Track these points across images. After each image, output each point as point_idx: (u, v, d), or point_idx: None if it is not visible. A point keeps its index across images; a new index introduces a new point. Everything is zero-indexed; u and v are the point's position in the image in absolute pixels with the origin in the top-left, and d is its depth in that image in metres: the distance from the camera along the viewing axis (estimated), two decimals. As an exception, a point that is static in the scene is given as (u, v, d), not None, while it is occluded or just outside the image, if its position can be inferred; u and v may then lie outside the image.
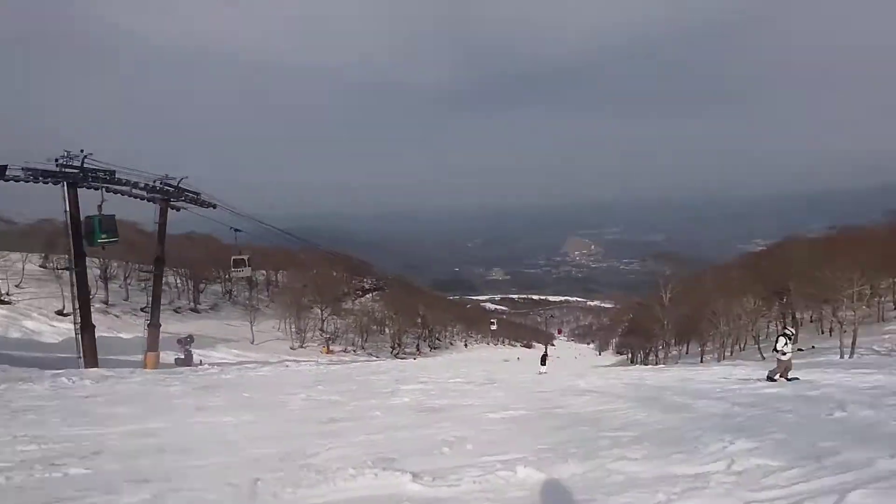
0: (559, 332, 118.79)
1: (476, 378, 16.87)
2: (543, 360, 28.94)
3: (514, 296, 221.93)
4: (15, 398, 9.04)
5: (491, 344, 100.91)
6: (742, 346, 40.97)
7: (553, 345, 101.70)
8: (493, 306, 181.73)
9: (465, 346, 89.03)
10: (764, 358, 30.01)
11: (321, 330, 57.52)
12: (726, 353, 38.56)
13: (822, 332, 37.38)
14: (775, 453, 4.57)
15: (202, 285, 58.34)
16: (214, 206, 21.69)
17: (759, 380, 12.52)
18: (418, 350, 66.97)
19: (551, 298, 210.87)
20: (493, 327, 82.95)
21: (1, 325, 31.00)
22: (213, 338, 41.34)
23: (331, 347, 52.07)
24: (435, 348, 76.36)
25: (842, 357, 23.59)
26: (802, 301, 36.87)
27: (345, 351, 53.41)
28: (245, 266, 24.24)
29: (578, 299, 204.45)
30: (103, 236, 18.93)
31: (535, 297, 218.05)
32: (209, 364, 22.68)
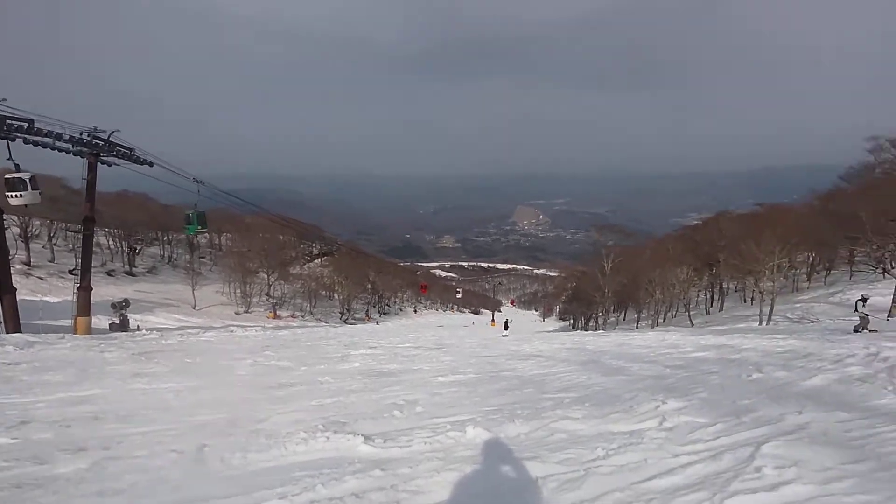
0: (512, 302, 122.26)
1: (425, 343, 17.13)
2: (506, 325, 33.00)
3: (464, 263, 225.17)
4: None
5: (440, 310, 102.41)
6: (674, 313, 43.74)
7: (500, 311, 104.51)
8: (443, 273, 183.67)
9: (415, 311, 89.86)
10: (693, 324, 32.21)
11: (268, 295, 56.14)
12: (660, 320, 41.10)
13: (745, 301, 40.51)
14: (701, 411, 4.97)
15: (138, 247, 55.15)
16: (151, 164, 20.22)
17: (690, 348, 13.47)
18: (367, 316, 66.90)
19: (500, 266, 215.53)
20: (459, 295, 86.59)
21: None
22: (151, 302, 39.46)
23: (277, 313, 51.07)
24: (385, 314, 76.58)
25: (760, 324, 25.69)
26: (729, 272, 39.64)
27: (292, 316, 52.55)
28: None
29: (526, 267, 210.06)
30: (199, 228, 19.84)
31: (484, 264, 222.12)
32: (147, 329, 21.65)
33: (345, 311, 63.50)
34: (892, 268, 24.03)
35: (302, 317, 54.32)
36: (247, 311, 48.82)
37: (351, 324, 52.26)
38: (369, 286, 75.74)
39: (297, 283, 62.93)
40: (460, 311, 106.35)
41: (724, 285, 45.08)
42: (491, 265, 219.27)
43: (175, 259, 61.01)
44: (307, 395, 6.88)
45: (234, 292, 51.48)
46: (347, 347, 14.40)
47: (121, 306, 29.01)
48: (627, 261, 45.06)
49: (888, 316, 20.98)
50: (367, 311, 71.46)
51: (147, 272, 53.51)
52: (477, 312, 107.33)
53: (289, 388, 7.52)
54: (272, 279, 58.60)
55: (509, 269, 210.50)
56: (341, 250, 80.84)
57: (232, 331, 20.55)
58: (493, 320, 58.86)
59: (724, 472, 3.43)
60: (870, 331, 14.96)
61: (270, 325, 34.39)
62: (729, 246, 37.16)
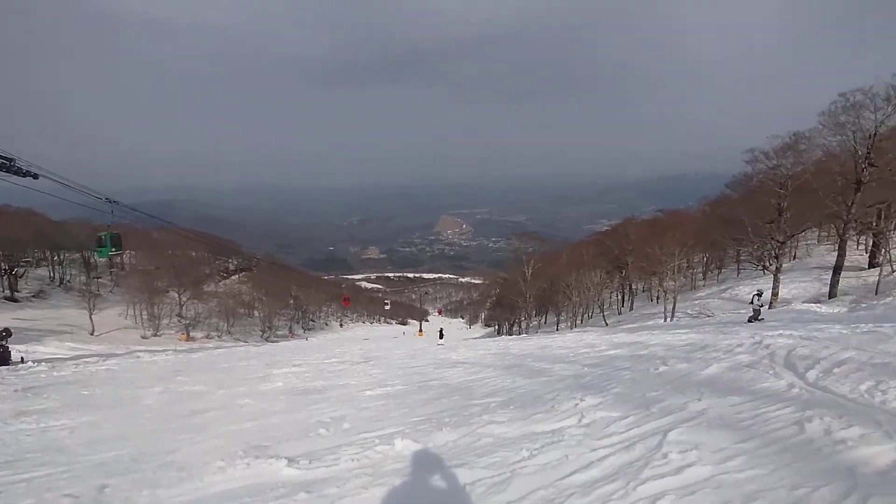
0: (440, 311, 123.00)
1: (352, 357, 16.77)
2: (441, 334, 33.81)
3: (390, 274, 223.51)
4: None
5: (367, 322, 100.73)
6: (590, 314, 46.23)
7: (427, 321, 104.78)
8: (369, 285, 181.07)
9: (341, 325, 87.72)
10: (607, 324, 34.22)
11: (179, 316, 52.24)
12: (578, 322, 43.25)
13: (652, 300, 43.79)
14: (615, 405, 5.31)
15: (21, 269, 49.06)
16: (35, 176, 18.07)
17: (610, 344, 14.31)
18: (291, 332, 64.28)
19: (426, 276, 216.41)
20: (387, 307, 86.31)
21: None
22: (38, 331, 35.16)
23: (191, 334, 47.63)
24: (309, 329, 73.99)
25: (665, 320, 27.86)
26: (637, 273, 42.66)
27: (207, 337, 49.23)
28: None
29: (451, 276, 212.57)
30: (113, 249, 18.41)
31: (410, 274, 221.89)
32: (34, 361, 19.27)
33: (266, 328, 60.56)
34: (770, 265, 27.16)
35: (219, 337, 51.06)
36: (155, 335, 45.04)
37: (273, 342, 49.90)
38: (292, 301, 72.94)
39: (213, 301, 59.10)
40: (387, 323, 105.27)
41: (633, 286, 48.46)
42: (417, 275, 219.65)
43: (68, 281, 54.97)
44: (225, 420, 6.48)
45: (141, 315, 47.34)
46: (269, 367, 13.75)
47: (1, 336, 25.57)
48: (546, 266, 47.05)
49: (769, 307, 23.61)
50: (291, 327, 68.67)
51: (33, 297, 47.73)
52: (405, 323, 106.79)
53: (204, 414, 7.04)
54: (184, 298, 54.64)
55: (435, 278, 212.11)
56: (260, 265, 77.23)
57: (138, 357, 18.88)
58: (420, 330, 58.82)
59: (636, 461, 3.69)
60: (759, 320, 16.87)
61: (183, 348, 31.97)
62: (636, 249, 40.10)
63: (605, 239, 54.00)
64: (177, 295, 53.78)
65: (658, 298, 36.70)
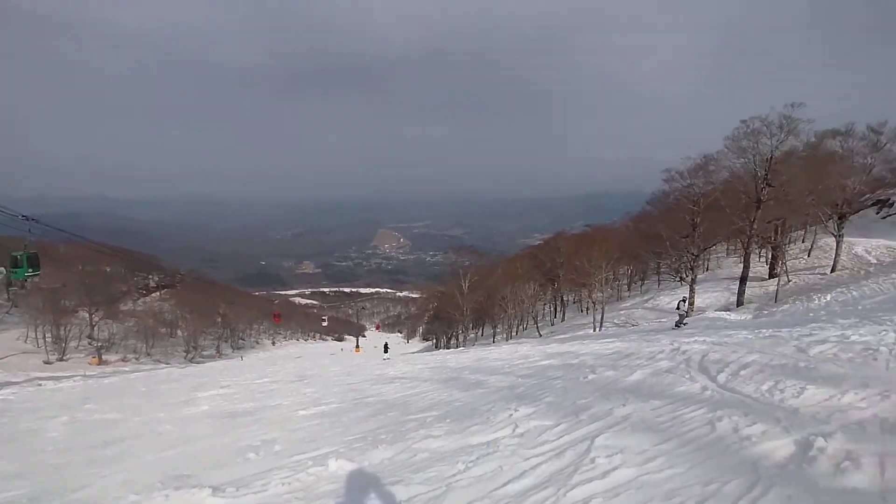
0: (378, 326, 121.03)
1: (285, 376, 16.14)
2: (386, 348, 33.55)
3: (326, 289, 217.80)
4: None
5: (303, 340, 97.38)
6: (525, 325, 47.44)
7: (364, 336, 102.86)
8: (304, 300, 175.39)
9: (273, 343, 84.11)
10: (541, 335, 35.24)
11: (90, 338, 47.89)
12: (513, 333, 44.24)
13: (582, 311, 45.71)
14: (547, 414, 5.48)
15: None
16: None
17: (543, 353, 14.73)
18: (218, 352, 60.76)
19: (363, 290, 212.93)
20: (325, 323, 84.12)
21: None
22: (-87, 358, 30.95)
23: (103, 357, 43.74)
24: (239, 348, 70.30)
25: (594, 330, 29.15)
26: (568, 285, 44.42)
27: (123, 360, 45.43)
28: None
29: (389, 290, 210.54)
30: (30, 270, 17.22)
31: (346, 289, 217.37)
32: None
33: (191, 348, 56.84)
34: (686, 276, 29.29)
35: (136, 360, 47.28)
36: (61, 359, 40.97)
37: (199, 363, 46.89)
38: (219, 319, 69.11)
39: (130, 320, 54.78)
40: (323, 340, 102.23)
41: (565, 298, 50.37)
42: (354, 290, 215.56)
43: (-47, 302, 48.89)
44: (141, 450, 6.01)
45: (44, 337, 42.91)
46: (194, 389, 12.93)
47: None
48: (483, 279, 47.89)
49: (686, 314, 25.40)
50: (218, 346, 64.93)
51: None
52: (341, 339, 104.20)
53: (117, 444, 6.49)
54: (96, 318, 50.21)
55: (372, 292, 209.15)
56: (184, 281, 72.69)
57: (40, 385, 17.09)
58: (357, 346, 57.64)
59: (566, 467, 3.83)
60: (684, 325, 18.16)
61: (93, 373, 29.32)
62: (566, 262, 41.81)
63: (539, 252, 55.80)
64: (87, 315, 49.36)
65: (587, 309, 38.34)
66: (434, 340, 72.10)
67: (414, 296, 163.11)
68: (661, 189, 33.51)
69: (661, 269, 41.41)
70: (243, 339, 77.57)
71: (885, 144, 30.45)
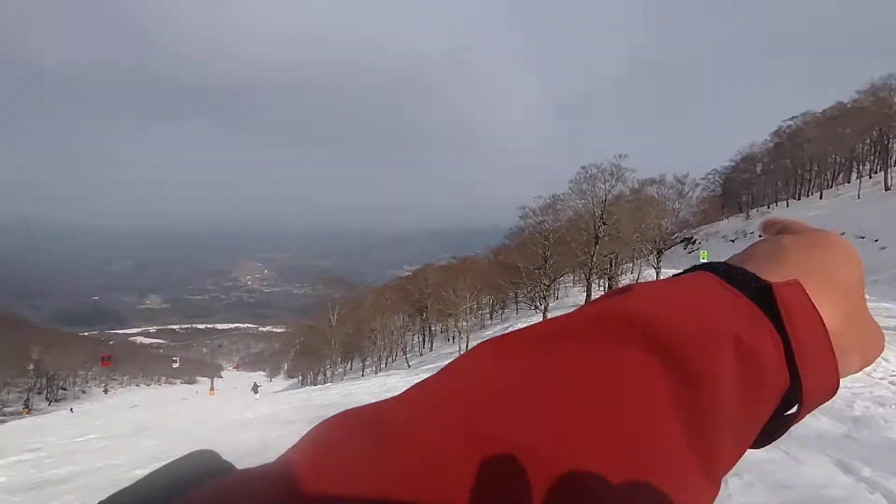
0: (237, 366, 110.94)
1: (120, 429, 14.15)
2: (255, 388, 33.03)
3: (175, 326, 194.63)
4: None
5: (146, 385, 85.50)
6: (394, 357, 47.60)
7: (221, 377, 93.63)
8: (146, 340, 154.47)
9: (106, 392, 72.48)
10: (409, 366, 35.70)
11: None
12: (382, 365, 44.07)
13: (449, 340, 47.31)
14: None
15: None
16: None
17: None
18: (27, 407, 50.47)
19: (220, 326, 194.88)
20: (176, 365, 75.18)
21: None
22: None
23: None
24: (59, 400, 59.22)
25: (461, 358, 30.45)
26: (435, 316, 45.87)
27: None
28: None
29: (250, 325, 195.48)
30: None
31: (200, 325, 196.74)
32: None
33: (-14, 406, 46.41)
34: (540, 304, 32.30)
35: None
36: None
37: (-3, 423, 38.38)
38: (31, 367, 57.76)
39: None
40: (171, 384, 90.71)
41: (433, 327, 51.79)
42: (209, 326, 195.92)
43: None
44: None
45: None
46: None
47: None
48: (351, 311, 47.28)
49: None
50: (28, 399, 53.96)
51: None
52: (192, 382, 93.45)
53: None
54: None
55: (231, 328, 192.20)
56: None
57: None
58: (211, 388, 52.31)
59: None
60: None
61: None
62: (434, 293, 43.29)
63: (407, 283, 56.82)
64: None
65: (454, 338, 39.86)
66: (300, 377, 68.49)
67: (278, 331, 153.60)
68: (517, 224, 36.79)
69: (519, 298, 44.97)
70: (65, 389, 65.69)
71: (687, 192, 37.39)
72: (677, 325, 0.25)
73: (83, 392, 69.34)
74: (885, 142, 51.72)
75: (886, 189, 45.88)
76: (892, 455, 3.68)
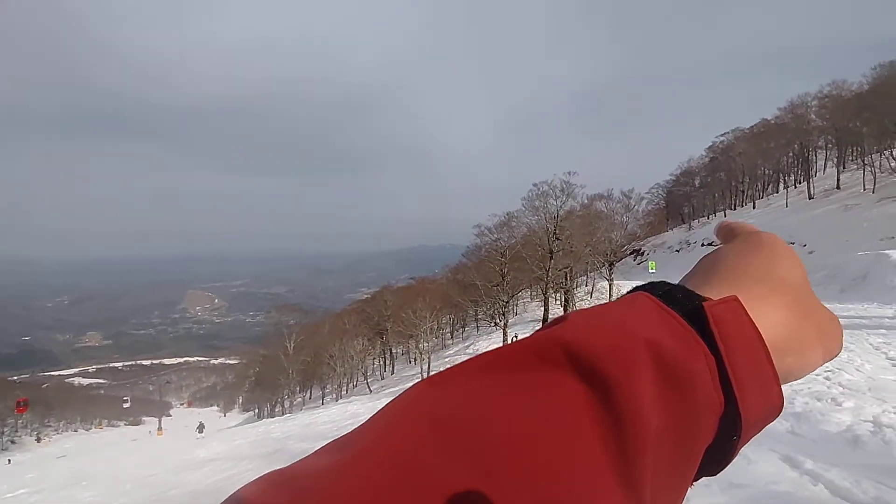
0: (190, 403, 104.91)
1: (55, 481, 13.06)
2: (201, 428, 32.60)
3: (118, 364, 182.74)
4: None
5: (83, 430, 79.52)
6: (356, 383, 46.53)
7: (169, 415, 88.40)
8: (85, 380, 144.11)
9: (38, 440, 66.79)
10: (371, 391, 34.99)
11: None
12: (343, 392, 42.96)
13: (410, 362, 46.79)
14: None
15: None
16: None
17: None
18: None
19: (167, 361, 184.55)
20: (127, 405, 73.81)
21: None
22: None
23: None
24: (-20, 455, 53.94)
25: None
26: (396, 338, 45.34)
27: None
28: None
29: (200, 358, 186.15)
30: None
31: (146, 362, 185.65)
32: None
33: None
34: (500, 321, 32.60)
35: None
36: None
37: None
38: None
39: None
40: (113, 426, 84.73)
41: (394, 350, 51.10)
42: (156, 362, 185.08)
43: None
44: None
45: None
46: None
47: None
48: (309, 338, 46.02)
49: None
50: (-54, 457, 48.89)
51: None
52: (137, 423, 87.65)
53: None
54: None
55: (180, 363, 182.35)
56: None
57: None
58: (160, 429, 49.26)
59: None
60: None
61: None
62: (393, 315, 42.84)
63: (366, 307, 56.04)
64: None
65: (416, 360, 39.45)
66: (256, 410, 65.64)
67: (232, 362, 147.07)
68: (473, 243, 37.19)
69: (479, 316, 45.17)
70: (-10, 441, 60.14)
71: (633, 206, 39.06)
72: (593, 341, 0.25)
73: (12, 442, 63.59)
74: (806, 154, 56.16)
75: (810, 198, 49.67)
76: (830, 447, 3.92)
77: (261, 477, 0.22)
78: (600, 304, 0.27)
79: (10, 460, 40.45)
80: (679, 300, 0.29)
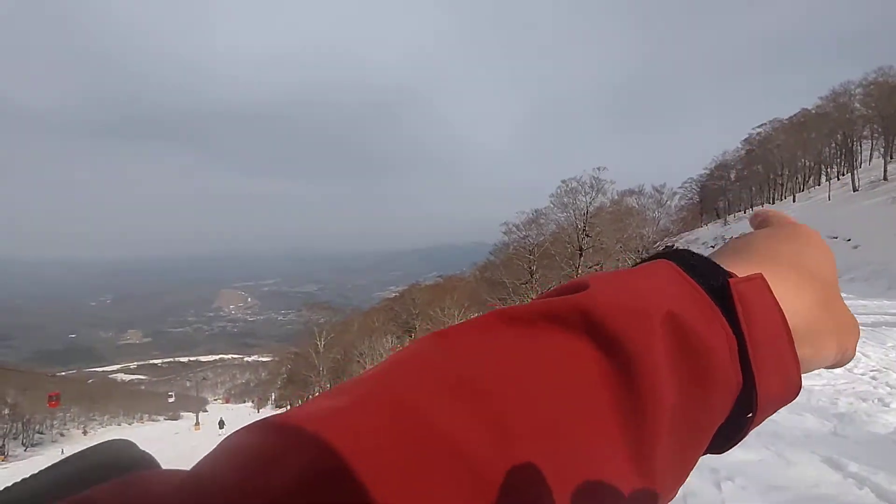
0: (227, 399, 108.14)
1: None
2: (221, 424, 33.89)
3: (157, 360, 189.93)
4: None
5: (127, 423, 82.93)
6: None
7: (206, 411, 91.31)
8: (127, 376, 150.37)
9: (85, 433, 70.04)
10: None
11: None
12: (373, 389, 43.51)
13: (440, 360, 46.97)
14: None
15: None
16: None
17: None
18: (2, 454, 48.48)
19: (203, 359, 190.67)
20: (171, 399, 77.16)
21: None
22: None
23: None
24: (35, 445, 57.05)
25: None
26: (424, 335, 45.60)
27: None
28: None
29: (235, 356, 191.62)
30: None
31: (183, 359, 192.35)
32: None
33: (-41, 455, 44.45)
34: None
35: None
36: None
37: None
38: (7, 412, 55.71)
39: None
40: (153, 421, 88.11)
41: (423, 348, 51.41)
42: (192, 359, 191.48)
43: None
44: None
45: None
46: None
47: None
48: (338, 336, 46.69)
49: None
50: (3, 446, 51.90)
51: None
52: (176, 418, 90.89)
53: None
54: None
55: (215, 360, 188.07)
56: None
57: None
58: (196, 423, 50.91)
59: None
60: None
61: None
62: (422, 313, 43.12)
63: (394, 305, 56.52)
64: None
65: (444, 357, 39.53)
66: (289, 406, 67.14)
67: (265, 360, 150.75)
68: (501, 240, 37.05)
69: (507, 314, 44.91)
70: (42, 433, 63.41)
71: (666, 201, 38.16)
72: (614, 313, 0.24)
73: (61, 435, 66.88)
74: (850, 145, 53.71)
75: (854, 190, 47.46)
76: (876, 449, 3.75)
77: (258, 420, 0.22)
78: (622, 270, 0.26)
79: (63, 450, 42.50)
80: (704, 273, 0.28)
